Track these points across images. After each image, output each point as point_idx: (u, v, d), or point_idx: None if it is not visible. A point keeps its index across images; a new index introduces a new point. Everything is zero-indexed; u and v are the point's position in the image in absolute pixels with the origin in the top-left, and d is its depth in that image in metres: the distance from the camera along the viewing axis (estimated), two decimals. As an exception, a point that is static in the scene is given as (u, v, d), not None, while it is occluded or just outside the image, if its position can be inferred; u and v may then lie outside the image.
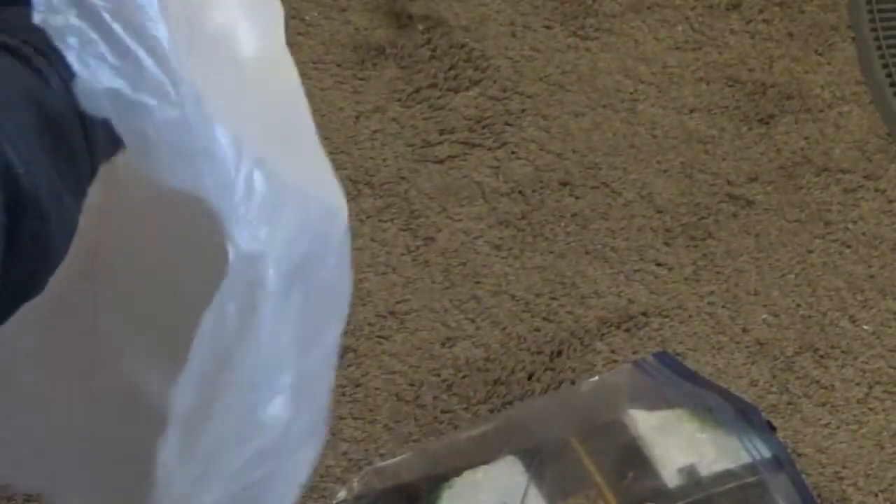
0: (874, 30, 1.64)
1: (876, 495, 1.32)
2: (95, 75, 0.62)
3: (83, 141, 0.64)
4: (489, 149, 1.51)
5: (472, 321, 1.38)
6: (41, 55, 0.63)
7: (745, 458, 1.26)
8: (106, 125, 0.65)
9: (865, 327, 1.42)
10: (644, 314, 1.40)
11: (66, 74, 0.63)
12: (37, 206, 0.60)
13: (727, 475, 1.24)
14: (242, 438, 0.76)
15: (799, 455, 1.33)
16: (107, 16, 0.62)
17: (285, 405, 0.77)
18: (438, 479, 1.23)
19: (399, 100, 1.53)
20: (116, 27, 0.63)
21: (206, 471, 0.75)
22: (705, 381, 1.34)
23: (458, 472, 1.23)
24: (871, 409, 1.37)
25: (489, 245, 1.44)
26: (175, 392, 0.71)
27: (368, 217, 1.44)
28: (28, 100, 0.62)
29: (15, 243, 0.60)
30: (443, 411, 1.32)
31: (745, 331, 1.41)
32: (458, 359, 1.36)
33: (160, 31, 0.64)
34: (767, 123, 1.56)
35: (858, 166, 1.54)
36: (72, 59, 0.62)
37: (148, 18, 0.63)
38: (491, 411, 1.33)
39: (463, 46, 1.58)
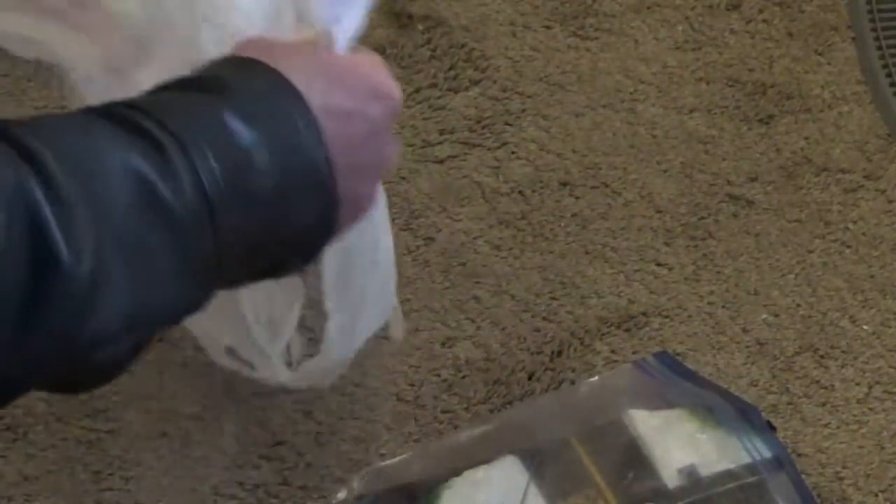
0: (874, 30, 1.64)
1: (876, 495, 1.32)
2: None
3: (209, 228, 0.64)
4: (489, 149, 1.51)
5: (472, 321, 1.38)
6: (177, 143, 0.63)
7: (745, 458, 1.26)
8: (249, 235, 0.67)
9: (865, 327, 1.42)
10: (644, 314, 1.40)
11: (202, 165, 0.63)
12: (73, 277, 0.59)
13: (727, 475, 1.24)
14: (373, 273, 1.07)
15: (799, 455, 1.33)
16: None
17: (388, 235, 1.05)
18: (438, 479, 1.23)
19: (399, 100, 1.53)
20: None
21: (358, 302, 1.07)
22: (705, 381, 1.34)
23: (458, 472, 1.23)
24: (871, 409, 1.37)
25: (489, 245, 1.44)
26: (323, 261, 0.98)
27: (368, 217, 1.44)
28: (127, 175, 0.61)
29: (47, 304, 0.59)
30: (443, 411, 1.32)
31: (745, 331, 1.40)
32: (458, 359, 1.36)
33: None
34: (767, 123, 1.56)
35: (858, 166, 1.54)
36: None
37: None
38: (491, 411, 1.33)
39: (463, 46, 1.58)
